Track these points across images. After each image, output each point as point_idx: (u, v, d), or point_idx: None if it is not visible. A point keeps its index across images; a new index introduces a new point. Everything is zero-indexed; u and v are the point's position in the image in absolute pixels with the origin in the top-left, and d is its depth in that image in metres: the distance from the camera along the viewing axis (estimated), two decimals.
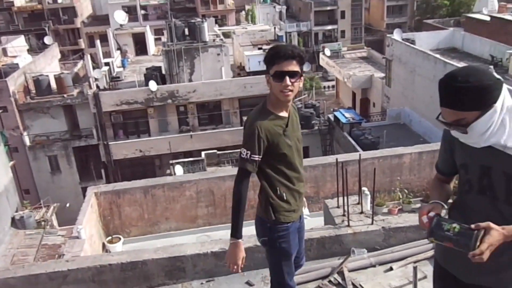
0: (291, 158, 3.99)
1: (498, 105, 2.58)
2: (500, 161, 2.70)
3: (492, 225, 2.55)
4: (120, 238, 11.74)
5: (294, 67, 3.74)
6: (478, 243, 2.54)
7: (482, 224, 2.55)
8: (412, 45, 33.13)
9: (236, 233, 3.95)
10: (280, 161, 3.96)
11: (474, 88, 2.53)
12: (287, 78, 3.72)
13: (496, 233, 2.54)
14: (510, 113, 2.62)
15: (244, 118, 32.32)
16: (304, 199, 4.79)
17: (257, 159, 3.83)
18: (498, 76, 2.69)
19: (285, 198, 4.05)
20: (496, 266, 2.86)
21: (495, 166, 2.72)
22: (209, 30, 38.70)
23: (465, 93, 2.53)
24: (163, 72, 34.91)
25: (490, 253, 2.54)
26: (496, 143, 2.64)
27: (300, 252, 4.53)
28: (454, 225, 2.67)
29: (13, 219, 17.15)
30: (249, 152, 3.80)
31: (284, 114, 3.94)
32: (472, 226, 2.58)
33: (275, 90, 3.79)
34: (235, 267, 3.99)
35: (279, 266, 4.28)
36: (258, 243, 6.28)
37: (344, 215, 6.97)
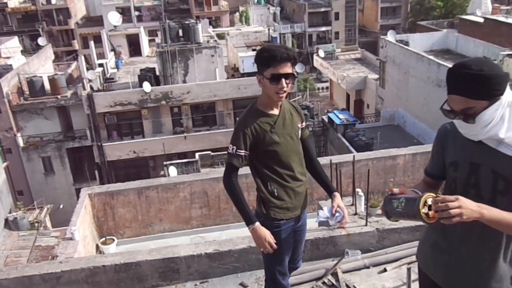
0: (281, 155, 4.02)
1: (504, 97, 2.59)
2: (490, 159, 2.69)
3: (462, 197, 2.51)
4: (114, 240, 11.73)
5: (289, 69, 3.79)
6: (421, 207, 2.50)
7: (450, 197, 2.49)
8: (406, 47, 33.19)
9: (249, 220, 3.99)
10: (270, 158, 4.02)
11: (488, 77, 2.53)
12: (283, 80, 3.77)
13: (468, 201, 2.48)
14: (510, 107, 2.62)
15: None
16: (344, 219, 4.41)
17: (243, 154, 3.92)
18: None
19: (276, 194, 4.08)
20: (472, 272, 2.87)
21: (484, 163, 2.72)
22: (203, 31, 38.69)
23: (479, 81, 2.53)
24: (157, 73, 34.88)
25: (461, 218, 2.44)
26: (494, 136, 2.63)
27: (297, 255, 4.54)
28: (401, 199, 2.65)
29: (6, 220, 17.13)
30: (234, 147, 3.91)
31: (274, 112, 4.00)
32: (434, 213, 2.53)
33: (270, 91, 3.84)
34: (268, 247, 3.99)
35: (271, 263, 4.31)
36: (252, 244, 6.32)
37: None
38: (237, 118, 4.07)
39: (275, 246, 4.02)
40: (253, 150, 3.95)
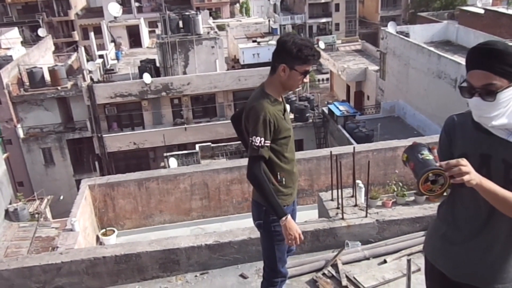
0: (291, 141, 4.14)
1: None
2: (500, 149, 2.69)
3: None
4: (114, 231, 11.73)
5: None
6: (432, 172, 2.55)
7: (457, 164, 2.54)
8: (406, 38, 33.14)
9: (283, 213, 3.95)
10: (282, 145, 4.06)
11: None
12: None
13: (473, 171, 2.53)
14: None
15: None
16: None
17: (268, 144, 3.93)
18: None
19: (284, 183, 4.15)
20: (482, 264, 2.86)
21: (495, 154, 2.71)
22: (203, 22, 38.63)
23: (503, 57, 2.56)
24: (157, 64, 34.90)
25: (470, 176, 2.50)
26: (507, 125, 2.64)
27: None
28: (429, 155, 2.68)
29: (6, 211, 17.15)
30: (262, 139, 3.88)
31: (281, 99, 4.09)
32: (442, 164, 2.58)
33: (292, 82, 3.97)
34: (298, 238, 3.98)
35: (272, 251, 4.33)
36: (252, 236, 6.32)
37: (338, 208, 6.98)
38: (248, 105, 4.02)
39: (302, 238, 4.05)
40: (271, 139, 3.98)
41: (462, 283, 2.99)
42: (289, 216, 3.97)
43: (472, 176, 2.50)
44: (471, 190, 2.76)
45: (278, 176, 4.11)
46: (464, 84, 2.69)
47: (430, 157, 2.66)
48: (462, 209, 2.89)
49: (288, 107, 4.28)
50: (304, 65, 3.87)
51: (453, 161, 2.51)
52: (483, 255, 2.84)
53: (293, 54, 3.83)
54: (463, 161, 2.51)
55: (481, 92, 2.62)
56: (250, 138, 3.91)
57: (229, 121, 4.67)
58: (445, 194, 2.71)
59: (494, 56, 2.58)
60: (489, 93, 2.60)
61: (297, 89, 4.53)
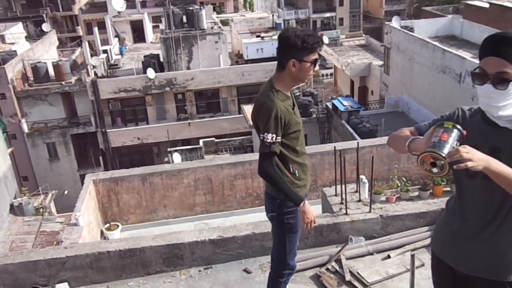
0: (300, 134, 4.19)
1: None
2: (509, 141, 2.70)
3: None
4: (118, 226, 11.77)
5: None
6: (432, 155, 2.53)
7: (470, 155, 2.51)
8: (410, 33, 33.01)
9: (300, 199, 4.11)
10: (292, 138, 4.10)
11: None
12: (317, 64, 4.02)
13: (476, 151, 2.52)
14: None
15: (242, 106, 32.32)
16: None
17: (280, 140, 3.98)
18: None
19: (297, 175, 4.20)
20: (493, 256, 2.86)
21: (504, 146, 2.71)
22: (207, 17, 38.61)
23: None
24: (161, 59, 34.88)
25: (472, 162, 2.47)
26: None
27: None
28: (457, 142, 2.62)
29: (11, 205, 17.20)
30: (274, 135, 3.93)
31: (289, 94, 4.12)
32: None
33: (303, 74, 4.00)
34: (314, 221, 4.19)
35: (283, 243, 4.38)
36: (256, 231, 6.33)
37: (342, 203, 6.98)
38: (257, 101, 4.04)
39: (316, 221, 4.25)
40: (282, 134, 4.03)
41: (472, 277, 2.99)
42: (306, 201, 4.13)
43: (476, 162, 2.47)
44: (480, 183, 2.77)
45: (291, 169, 4.16)
46: (477, 71, 2.69)
47: (457, 142, 2.62)
48: (471, 202, 2.90)
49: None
50: (311, 54, 3.90)
51: (452, 151, 2.50)
52: (494, 248, 2.84)
53: (298, 46, 3.87)
54: (465, 148, 2.49)
55: (493, 79, 2.62)
56: (262, 135, 3.97)
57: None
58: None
59: (510, 45, 2.58)
60: (502, 81, 2.60)
61: (298, 85, 4.54)
